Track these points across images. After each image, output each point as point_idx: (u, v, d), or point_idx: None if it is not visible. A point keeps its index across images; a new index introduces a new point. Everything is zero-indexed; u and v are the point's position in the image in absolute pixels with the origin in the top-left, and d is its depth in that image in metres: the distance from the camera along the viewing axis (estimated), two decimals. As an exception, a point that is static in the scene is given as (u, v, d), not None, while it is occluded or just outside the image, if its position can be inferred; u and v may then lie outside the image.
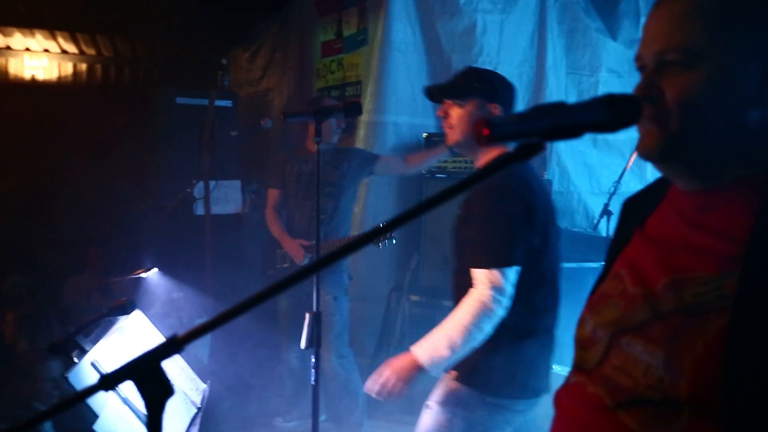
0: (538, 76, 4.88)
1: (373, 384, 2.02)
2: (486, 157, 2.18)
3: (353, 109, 2.16)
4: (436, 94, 2.25)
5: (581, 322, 1.12)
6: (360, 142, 4.66)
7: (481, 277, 1.99)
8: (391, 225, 0.90)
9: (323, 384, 3.72)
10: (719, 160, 1.00)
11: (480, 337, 1.98)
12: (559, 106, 0.85)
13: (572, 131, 0.85)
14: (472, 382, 2.06)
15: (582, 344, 1.10)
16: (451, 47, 4.70)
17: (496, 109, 2.17)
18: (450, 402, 2.07)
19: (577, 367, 1.10)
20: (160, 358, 0.84)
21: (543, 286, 2.12)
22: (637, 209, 1.16)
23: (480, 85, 2.18)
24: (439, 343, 1.97)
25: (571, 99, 4.96)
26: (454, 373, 2.08)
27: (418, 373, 1.98)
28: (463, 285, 2.07)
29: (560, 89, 4.92)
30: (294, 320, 3.86)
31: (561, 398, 1.12)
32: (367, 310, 4.54)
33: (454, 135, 2.19)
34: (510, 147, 2.16)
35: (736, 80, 0.96)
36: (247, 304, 0.81)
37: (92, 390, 0.83)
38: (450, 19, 4.70)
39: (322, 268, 0.89)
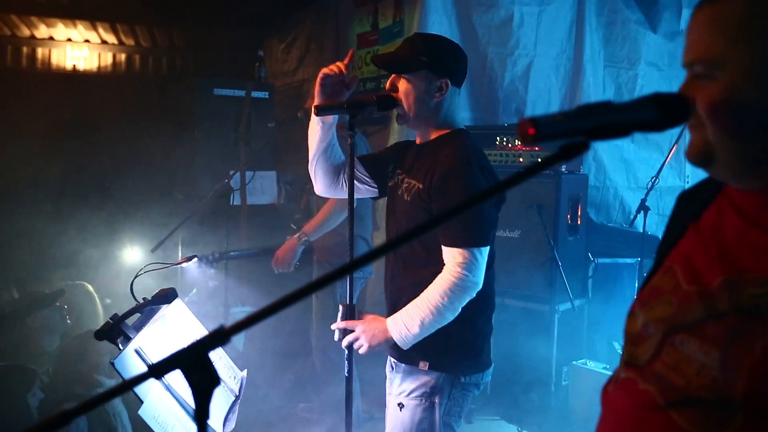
0: (576, 69, 4.81)
1: (342, 334, 2.06)
2: (430, 136, 2.09)
3: (387, 102, 2.05)
4: (383, 68, 2.12)
5: (631, 316, 1.10)
6: (395, 134, 4.67)
7: (455, 255, 1.93)
8: (433, 223, 0.90)
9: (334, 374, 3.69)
10: (764, 163, 0.98)
11: (450, 317, 1.95)
12: (605, 105, 0.85)
13: (619, 130, 0.85)
14: (446, 367, 2.04)
15: (632, 339, 1.08)
16: (487, 39, 4.67)
17: (446, 84, 2.03)
18: (426, 394, 2.05)
19: (627, 362, 1.09)
20: (208, 348, 0.87)
21: (493, 260, 2.10)
22: (692, 203, 1.14)
23: (428, 58, 2.01)
24: (411, 321, 1.96)
25: (609, 92, 4.89)
26: (424, 363, 2.04)
27: (387, 344, 2.02)
28: (416, 258, 2.03)
29: (598, 82, 4.85)
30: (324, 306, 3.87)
31: (610, 394, 1.10)
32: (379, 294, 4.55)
33: (402, 110, 2.07)
34: (457, 125, 2.10)
35: (759, 88, 0.95)
36: (290, 298, 0.82)
37: (142, 377, 0.86)
38: (486, 11, 4.66)
39: (357, 269, 0.90)
